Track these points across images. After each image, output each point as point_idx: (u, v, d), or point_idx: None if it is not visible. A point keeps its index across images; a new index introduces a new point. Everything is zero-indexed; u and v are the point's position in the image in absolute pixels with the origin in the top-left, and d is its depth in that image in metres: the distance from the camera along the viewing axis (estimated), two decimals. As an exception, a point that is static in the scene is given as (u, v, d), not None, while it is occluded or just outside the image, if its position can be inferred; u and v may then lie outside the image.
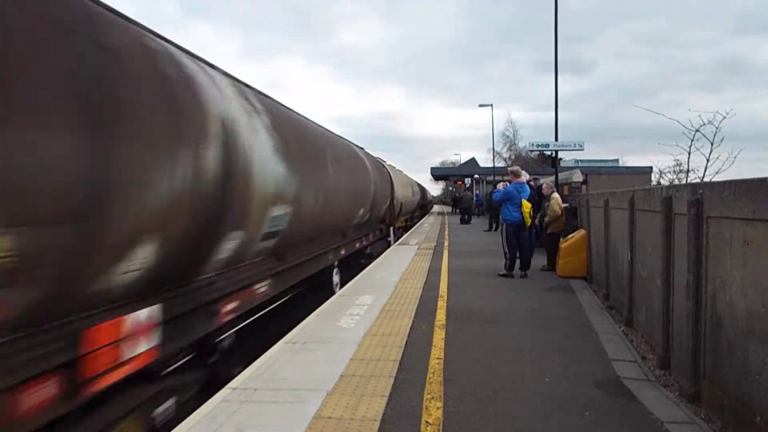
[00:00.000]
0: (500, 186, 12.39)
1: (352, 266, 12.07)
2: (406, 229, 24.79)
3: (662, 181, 18.14)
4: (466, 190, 39.67)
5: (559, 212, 10.41)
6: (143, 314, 3.65)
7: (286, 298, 8.71)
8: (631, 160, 73.50)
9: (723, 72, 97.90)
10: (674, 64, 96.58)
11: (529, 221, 9.53)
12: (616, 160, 60.05)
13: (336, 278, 10.57)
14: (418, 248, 14.51)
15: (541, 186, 12.13)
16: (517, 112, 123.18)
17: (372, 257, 13.67)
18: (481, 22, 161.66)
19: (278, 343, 5.26)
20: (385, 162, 19.07)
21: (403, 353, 4.96)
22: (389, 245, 16.42)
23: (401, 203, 20.46)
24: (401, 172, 26.67)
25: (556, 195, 10.79)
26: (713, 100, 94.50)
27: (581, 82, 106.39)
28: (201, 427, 3.40)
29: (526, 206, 9.45)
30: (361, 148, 14.70)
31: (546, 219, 10.53)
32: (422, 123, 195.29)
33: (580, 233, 9.47)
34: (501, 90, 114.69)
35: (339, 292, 8.07)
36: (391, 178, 17.48)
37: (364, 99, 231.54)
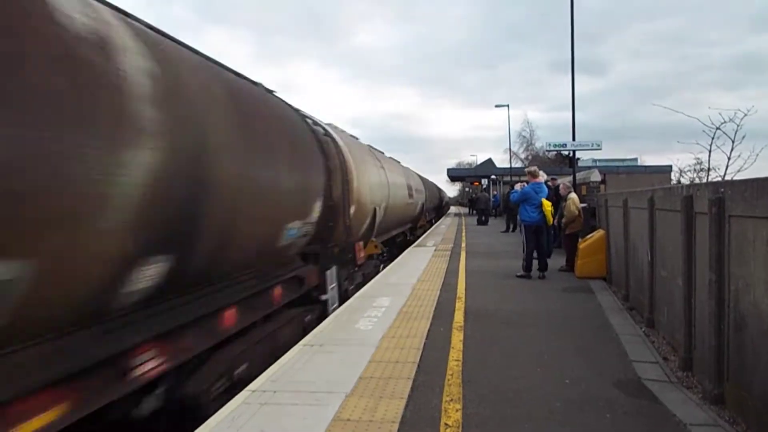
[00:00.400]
0: (518, 187, 12.32)
1: None
2: (392, 254, 14.41)
3: (682, 180, 17.89)
4: (483, 191, 39.53)
5: (576, 213, 10.32)
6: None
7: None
8: (650, 159, 72.48)
9: (740, 70, 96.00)
10: (691, 63, 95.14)
11: (551, 220, 9.51)
12: (635, 160, 59.21)
13: None
14: (435, 249, 14.48)
15: (558, 186, 12.04)
16: (533, 113, 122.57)
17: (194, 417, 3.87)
18: (494, 23, 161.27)
19: (296, 346, 5.30)
20: (333, 128, 9.42)
21: (422, 355, 4.95)
22: (319, 316, 7.13)
23: (376, 210, 10.65)
24: (394, 160, 17.35)
25: (573, 195, 10.70)
26: (731, 98, 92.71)
27: (597, 81, 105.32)
28: (221, 429, 3.43)
29: (547, 205, 9.40)
30: (272, 92, 6.59)
31: (563, 220, 10.45)
32: (436, 124, 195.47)
33: (599, 233, 9.37)
34: (516, 90, 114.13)
35: (357, 294, 8.06)
36: (341, 160, 8.34)
37: (377, 100, 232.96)
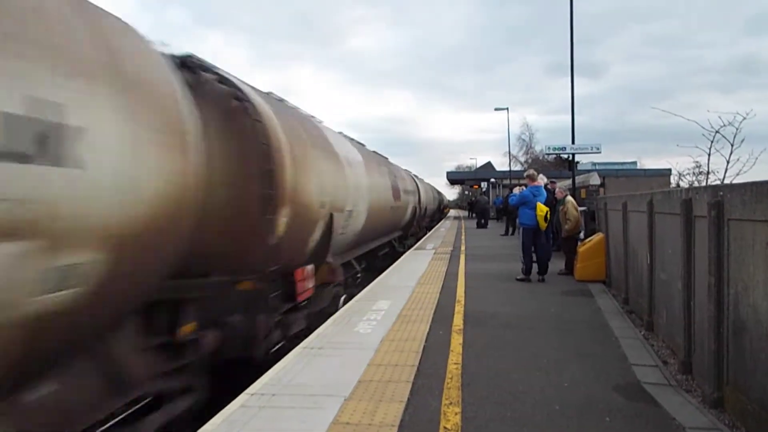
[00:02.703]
0: (516, 190, 12.34)
1: None
2: (373, 272, 11.31)
3: (681, 184, 17.87)
4: (482, 194, 39.54)
5: (578, 215, 10.34)
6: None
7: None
8: (649, 162, 72.30)
9: (737, 73, 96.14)
10: (688, 66, 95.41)
11: (544, 225, 9.44)
12: (634, 163, 59.13)
13: None
14: (435, 252, 14.47)
15: (555, 190, 12.04)
16: (532, 116, 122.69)
17: None
18: (491, 26, 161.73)
19: (296, 349, 5.29)
20: (272, 99, 6.65)
21: (421, 358, 4.94)
22: None
23: (332, 217, 7.28)
24: (378, 154, 14.49)
25: (570, 198, 10.72)
26: (729, 102, 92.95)
27: (595, 84, 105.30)
28: (220, 432, 3.42)
29: (541, 209, 9.36)
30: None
31: (567, 226, 10.39)
32: (435, 127, 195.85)
33: (598, 237, 9.38)
34: (514, 93, 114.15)
35: (356, 297, 8.05)
36: (261, 140, 4.98)
37: (375, 103, 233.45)
